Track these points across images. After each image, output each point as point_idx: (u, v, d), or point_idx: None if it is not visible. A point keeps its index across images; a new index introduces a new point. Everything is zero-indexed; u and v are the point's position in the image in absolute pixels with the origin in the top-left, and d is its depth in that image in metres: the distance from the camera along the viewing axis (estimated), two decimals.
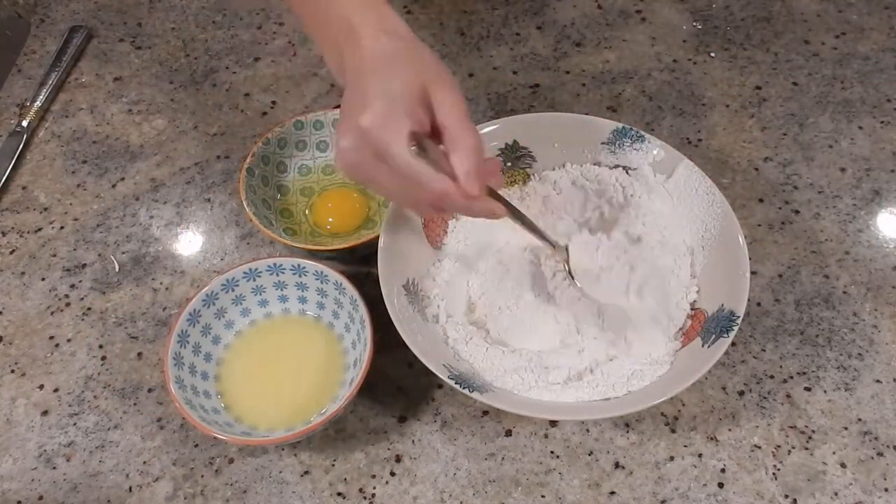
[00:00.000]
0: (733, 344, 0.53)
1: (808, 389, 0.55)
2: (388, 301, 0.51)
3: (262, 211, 0.61)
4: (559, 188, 0.61)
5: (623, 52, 0.77)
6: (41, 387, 0.57)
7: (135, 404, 0.56)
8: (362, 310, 0.52)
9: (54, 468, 0.54)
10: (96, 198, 0.68)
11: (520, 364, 0.51)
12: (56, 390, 0.57)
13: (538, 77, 0.75)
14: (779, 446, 0.53)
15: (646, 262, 0.56)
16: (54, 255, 0.64)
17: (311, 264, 0.55)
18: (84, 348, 0.59)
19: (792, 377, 0.56)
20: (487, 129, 0.60)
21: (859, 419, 0.54)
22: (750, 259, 0.52)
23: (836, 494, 0.51)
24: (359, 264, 0.61)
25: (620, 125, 0.59)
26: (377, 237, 0.54)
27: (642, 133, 0.59)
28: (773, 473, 0.52)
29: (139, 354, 0.59)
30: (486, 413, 0.55)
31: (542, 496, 0.51)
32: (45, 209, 0.67)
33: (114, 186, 0.69)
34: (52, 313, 0.61)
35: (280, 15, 0.82)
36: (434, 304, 0.56)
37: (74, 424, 0.55)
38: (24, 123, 0.72)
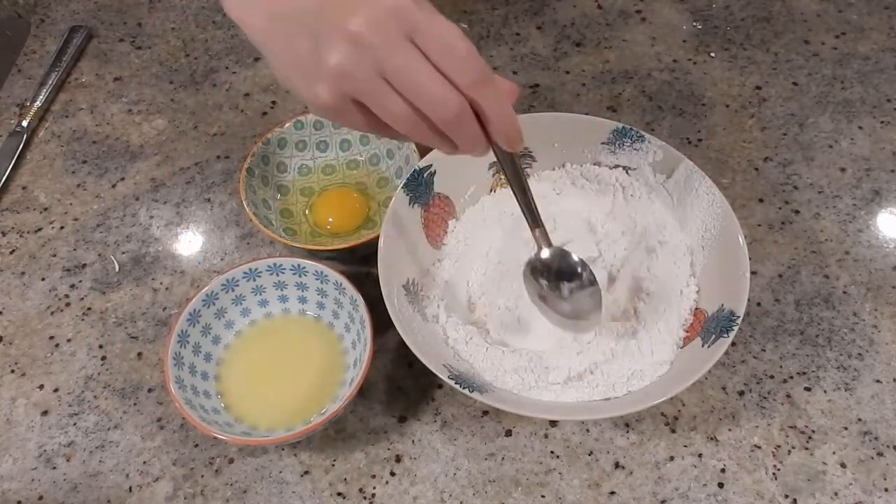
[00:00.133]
0: (733, 344, 0.53)
1: (808, 389, 0.55)
2: (388, 301, 0.51)
3: (262, 211, 0.61)
4: (559, 188, 0.61)
5: (623, 52, 0.77)
6: (41, 387, 0.57)
7: (135, 404, 0.56)
8: (362, 310, 0.52)
9: (54, 468, 0.54)
10: (96, 198, 0.68)
11: (520, 364, 0.51)
12: (56, 390, 0.57)
13: (538, 77, 0.75)
14: (779, 446, 0.53)
15: (648, 262, 0.56)
16: (54, 255, 0.64)
17: (311, 264, 0.55)
18: (84, 348, 0.59)
19: (792, 377, 0.56)
20: None
21: (859, 419, 0.54)
22: (750, 259, 0.52)
23: (836, 494, 0.51)
24: (359, 264, 0.61)
25: (620, 125, 0.59)
26: (377, 237, 0.54)
27: (642, 133, 0.59)
28: (773, 473, 0.52)
29: (139, 354, 0.59)
30: (486, 413, 0.55)
31: (542, 496, 0.51)
32: (45, 209, 0.67)
33: (114, 186, 0.69)
34: (52, 313, 0.61)
35: None
36: (434, 304, 0.56)
37: (74, 424, 0.55)
38: (24, 123, 0.72)
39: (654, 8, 0.81)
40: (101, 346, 0.59)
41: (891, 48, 0.77)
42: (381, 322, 0.51)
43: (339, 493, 0.52)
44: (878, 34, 0.78)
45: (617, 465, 0.52)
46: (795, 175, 0.67)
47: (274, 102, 0.75)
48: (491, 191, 0.62)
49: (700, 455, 0.53)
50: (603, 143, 0.60)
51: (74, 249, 0.65)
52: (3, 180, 0.68)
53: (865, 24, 0.79)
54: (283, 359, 0.56)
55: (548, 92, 0.74)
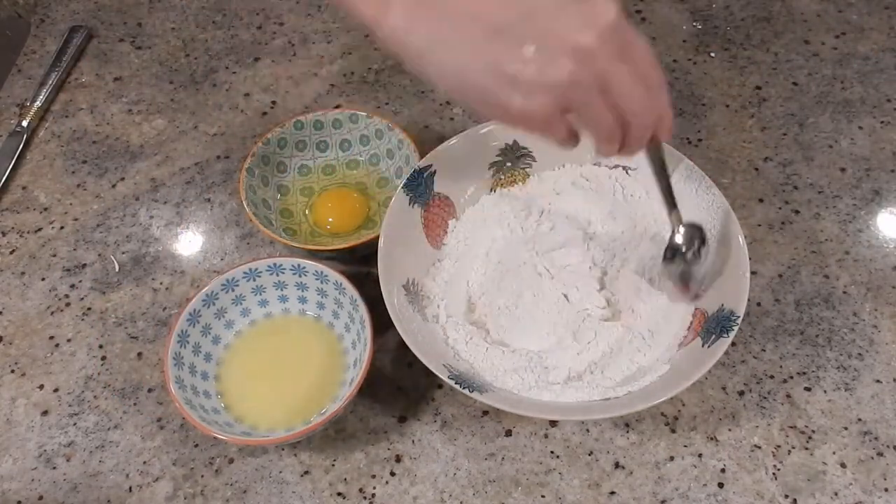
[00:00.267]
0: (733, 344, 0.53)
1: (808, 389, 0.55)
2: (388, 301, 0.51)
3: (262, 211, 0.61)
4: (559, 188, 0.61)
5: None
6: (41, 387, 0.57)
7: (135, 404, 0.56)
8: (362, 310, 0.52)
9: (54, 468, 0.54)
10: (96, 198, 0.68)
11: (520, 364, 0.51)
12: (56, 390, 0.57)
13: None
14: (779, 446, 0.53)
15: (647, 261, 0.56)
16: (54, 255, 0.64)
17: (311, 264, 0.55)
18: (84, 348, 0.59)
19: (792, 377, 0.56)
20: (487, 128, 0.60)
21: (859, 419, 0.54)
22: (750, 259, 0.52)
23: (836, 494, 0.51)
24: (359, 264, 0.61)
25: None
26: (377, 237, 0.54)
27: None
28: (773, 473, 0.52)
29: (139, 354, 0.59)
30: (486, 413, 0.55)
31: (542, 496, 0.51)
32: (45, 209, 0.67)
33: (114, 186, 0.69)
34: (52, 313, 0.61)
35: (280, 15, 0.82)
36: (434, 304, 0.56)
37: (74, 424, 0.55)
38: (24, 123, 0.72)
39: (654, 8, 0.81)
40: (101, 346, 0.59)
41: (891, 48, 0.77)
42: (381, 322, 0.51)
43: (339, 493, 0.52)
44: (878, 34, 0.78)
45: (617, 465, 0.52)
46: (795, 175, 0.67)
47: (274, 102, 0.75)
48: (491, 190, 0.62)
49: (700, 455, 0.53)
50: None
51: (74, 249, 0.65)
52: (3, 180, 0.68)
53: (865, 24, 0.79)
54: (283, 359, 0.56)
55: None
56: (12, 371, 0.58)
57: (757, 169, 0.68)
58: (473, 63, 0.38)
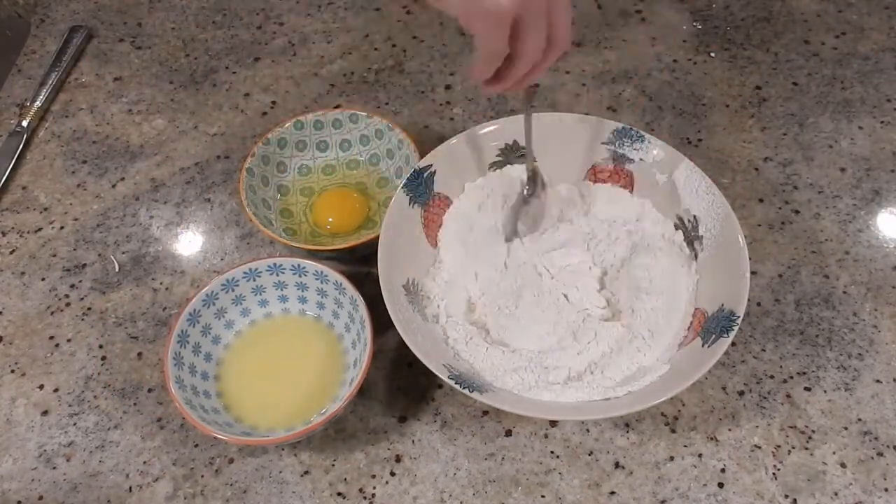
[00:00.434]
0: (733, 344, 0.53)
1: (808, 389, 0.55)
2: (388, 301, 0.51)
3: (262, 211, 0.61)
4: (559, 188, 0.61)
5: (623, 52, 0.77)
6: (41, 387, 0.57)
7: (135, 404, 0.56)
8: (362, 310, 0.52)
9: (54, 468, 0.54)
10: (96, 198, 0.68)
11: (520, 364, 0.51)
12: (56, 390, 0.57)
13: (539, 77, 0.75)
14: (779, 446, 0.53)
15: (647, 262, 0.56)
16: (54, 255, 0.64)
17: (310, 264, 0.55)
18: (84, 348, 0.59)
19: (792, 377, 0.56)
20: (487, 129, 0.60)
21: (859, 419, 0.54)
22: (750, 259, 0.52)
23: (836, 494, 0.51)
24: (359, 264, 0.61)
25: (620, 125, 0.59)
26: (377, 237, 0.54)
27: (642, 133, 0.59)
28: (773, 473, 0.52)
29: (139, 354, 0.59)
30: (486, 413, 0.55)
31: (542, 496, 0.51)
32: (45, 209, 0.67)
33: (114, 186, 0.69)
34: (52, 313, 0.61)
35: (280, 15, 0.82)
36: (434, 304, 0.56)
37: (74, 424, 0.55)
38: (24, 123, 0.72)
39: (654, 8, 0.81)
40: (101, 346, 0.59)
41: (891, 48, 0.77)
42: (381, 322, 0.51)
43: (339, 493, 0.52)
44: (878, 34, 0.78)
45: (617, 465, 0.52)
46: (795, 175, 0.67)
47: (274, 102, 0.75)
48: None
49: (700, 455, 0.53)
50: (603, 143, 0.60)
51: (74, 249, 0.65)
52: (3, 180, 0.68)
53: (865, 24, 0.79)
54: (283, 359, 0.56)
55: (548, 92, 0.74)
56: (12, 371, 0.58)
57: (757, 169, 0.68)
58: None
